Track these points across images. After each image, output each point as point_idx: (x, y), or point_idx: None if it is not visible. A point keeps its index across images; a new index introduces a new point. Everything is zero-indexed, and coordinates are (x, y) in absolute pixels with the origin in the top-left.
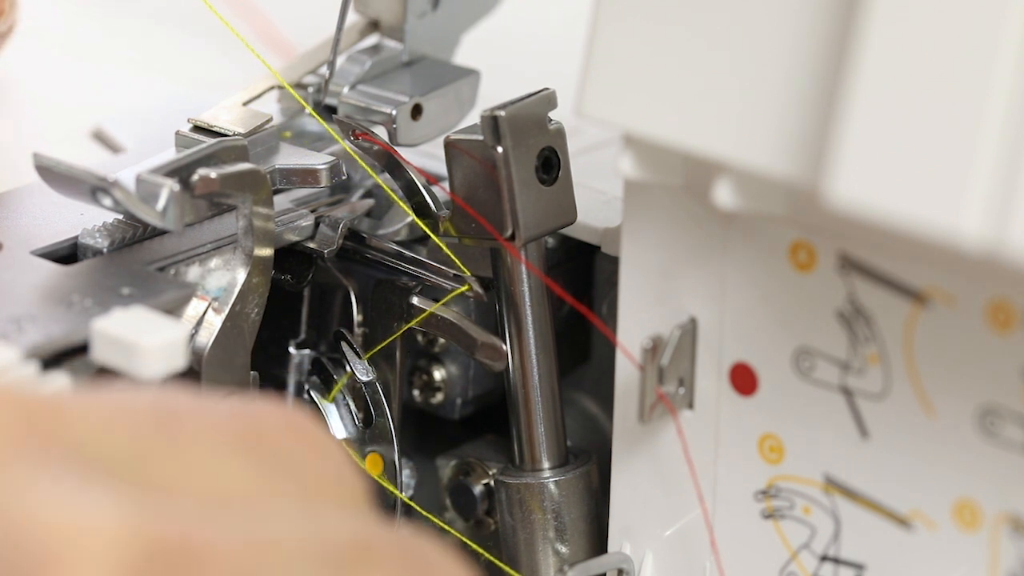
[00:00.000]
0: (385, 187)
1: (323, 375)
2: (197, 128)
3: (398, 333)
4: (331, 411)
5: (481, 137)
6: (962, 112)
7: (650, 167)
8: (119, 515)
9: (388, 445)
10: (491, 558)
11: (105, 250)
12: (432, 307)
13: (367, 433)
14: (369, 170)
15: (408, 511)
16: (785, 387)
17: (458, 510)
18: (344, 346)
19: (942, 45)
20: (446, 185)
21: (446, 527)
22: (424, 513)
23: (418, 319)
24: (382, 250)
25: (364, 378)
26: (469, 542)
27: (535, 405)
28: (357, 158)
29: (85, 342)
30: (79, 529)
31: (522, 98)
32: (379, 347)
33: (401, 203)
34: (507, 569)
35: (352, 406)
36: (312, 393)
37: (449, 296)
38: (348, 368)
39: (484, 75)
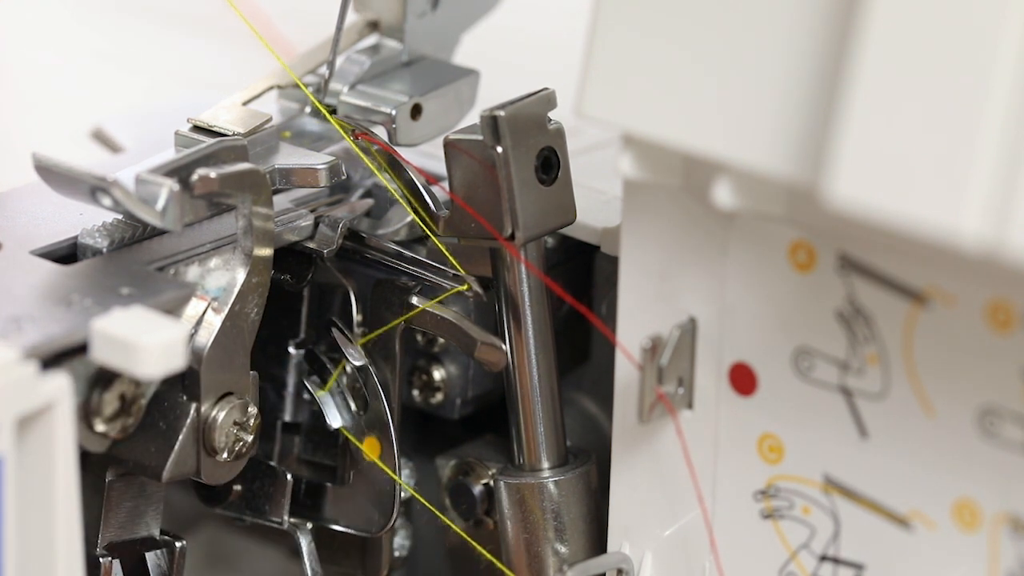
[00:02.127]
0: (388, 186)
1: (317, 365)
2: (196, 128)
3: (396, 322)
4: (327, 402)
5: (481, 137)
6: (962, 112)
7: (650, 167)
8: None
9: (385, 428)
10: (491, 558)
11: (105, 250)
12: (427, 304)
13: (364, 419)
14: (373, 168)
15: (408, 508)
16: (784, 387)
17: (458, 510)
18: (336, 332)
19: (942, 45)
20: (445, 185)
21: (447, 521)
22: (427, 505)
23: (410, 313)
24: (382, 250)
25: (357, 363)
26: (469, 539)
27: (535, 405)
28: (364, 157)
29: (85, 342)
30: None
31: (521, 98)
32: (376, 332)
33: (403, 202)
34: (506, 570)
35: (347, 394)
36: (307, 384)
37: (446, 295)
38: (342, 356)
39: (484, 75)
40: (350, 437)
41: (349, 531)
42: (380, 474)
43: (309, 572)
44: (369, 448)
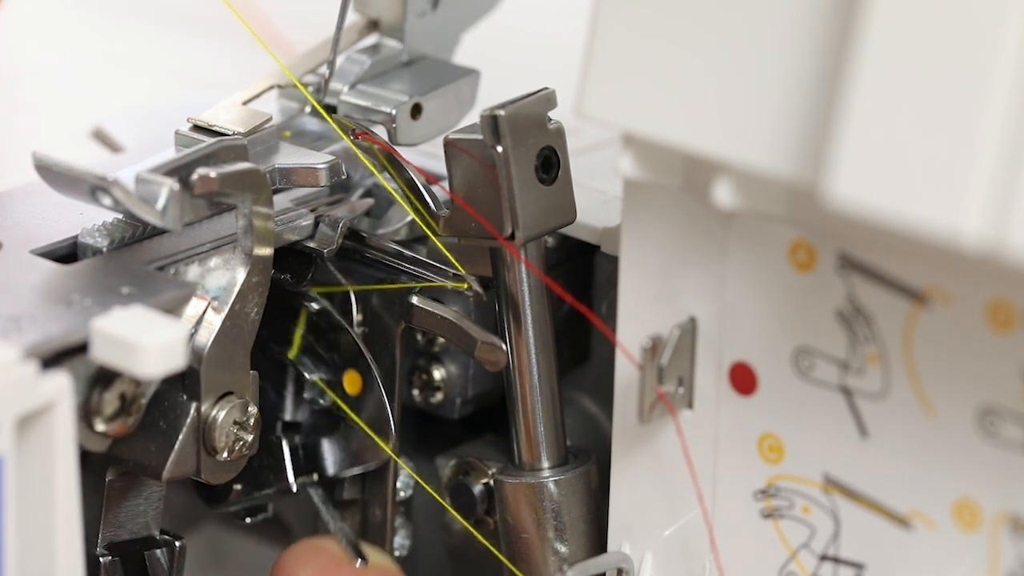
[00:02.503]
0: (387, 186)
1: (282, 335)
2: (197, 127)
3: (386, 286)
4: (301, 361)
5: (481, 136)
6: (962, 112)
7: (650, 167)
8: None
9: (359, 357)
10: (495, 551)
11: (105, 249)
12: (412, 285)
13: (336, 357)
14: (373, 169)
15: (408, 508)
16: (785, 387)
17: (458, 510)
18: (281, 279)
19: (942, 45)
20: (446, 185)
21: (451, 509)
22: (431, 491)
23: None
24: (382, 249)
25: (315, 307)
26: (473, 530)
27: (535, 405)
28: (363, 158)
29: (85, 341)
30: None
31: (522, 97)
32: (371, 287)
33: (403, 202)
34: (510, 565)
35: (316, 345)
36: (273, 350)
37: (429, 284)
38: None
39: (484, 74)
40: (325, 388)
41: (356, 472)
42: (369, 406)
43: (330, 521)
44: (350, 382)
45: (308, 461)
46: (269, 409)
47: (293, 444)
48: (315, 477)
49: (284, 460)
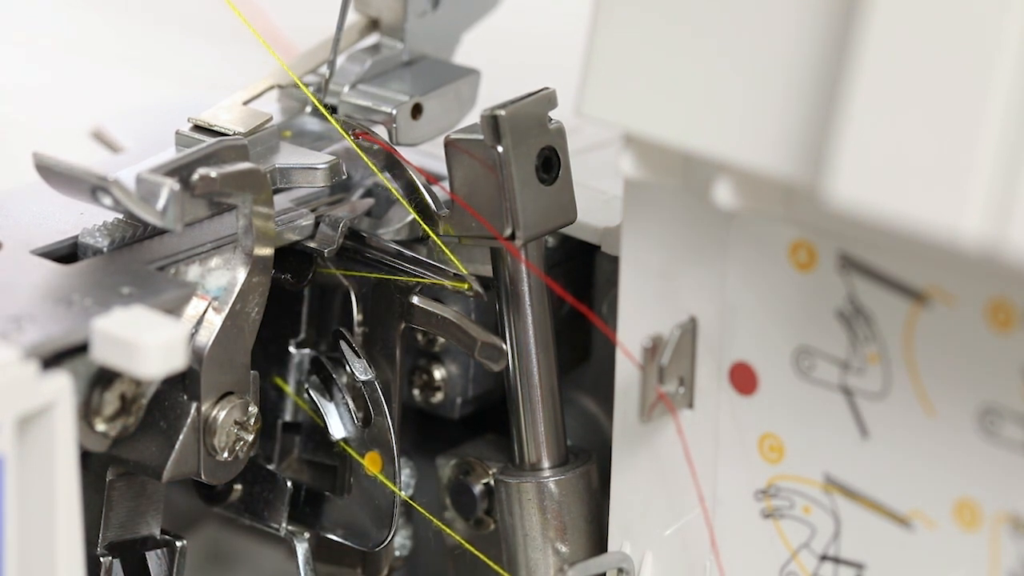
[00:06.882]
0: (388, 185)
1: (322, 374)
2: (197, 127)
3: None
4: (331, 410)
5: (481, 136)
6: (962, 112)
7: (650, 167)
8: None
9: (387, 446)
10: (489, 562)
11: (105, 249)
12: (411, 283)
13: (366, 433)
14: (374, 168)
15: (408, 511)
16: (785, 387)
17: (458, 509)
18: (343, 345)
19: (942, 45)
20: (446, 185)
21: (446, 529)
22: (424, 513)
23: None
24: (382, 249)
25: (363, 377)
26: (469, 546)
27: (535, 404)
28: (363, 156)
29: (85, 341)
30: None
31: (522, 97)
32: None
33: (404, 202)
34: (502, 572)
35: (351, 405)
36: (311, 392)
37: (425, 280)
38: (347, 367)
39: (484, 74)
40: (351, 452)
41: (345, 543)
42: (380, 489)
43: None
44: (370, 463)
45: (306, 505)
46: (269, 409)
47: (298, 483)
48: (306, 535)
49: (283, 504)
